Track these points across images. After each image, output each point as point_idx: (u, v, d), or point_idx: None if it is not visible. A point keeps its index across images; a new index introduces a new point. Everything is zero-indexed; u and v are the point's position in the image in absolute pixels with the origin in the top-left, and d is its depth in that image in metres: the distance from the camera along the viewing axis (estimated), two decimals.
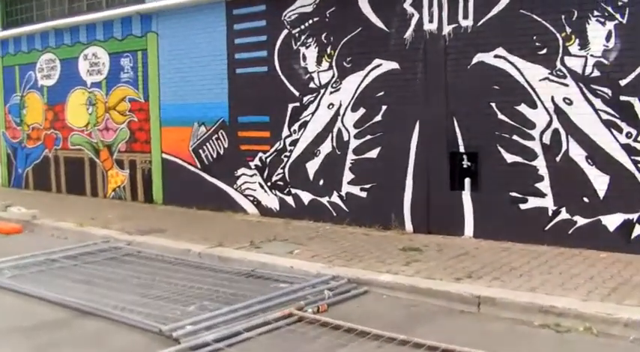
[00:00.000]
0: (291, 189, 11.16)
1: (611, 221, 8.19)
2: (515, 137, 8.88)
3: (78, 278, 8.15)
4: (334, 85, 10.48)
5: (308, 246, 9.16)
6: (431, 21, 9.48)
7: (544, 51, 8.57)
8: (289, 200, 11.20)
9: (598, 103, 8.23)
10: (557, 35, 8.46)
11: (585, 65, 8.31)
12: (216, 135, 12.16)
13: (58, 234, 11.35)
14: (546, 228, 8.68)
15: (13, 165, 17.06)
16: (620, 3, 8.00)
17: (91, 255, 9.59)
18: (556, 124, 8.59)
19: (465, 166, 9.40)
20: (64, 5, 15.50)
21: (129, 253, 9.69)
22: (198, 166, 12.53)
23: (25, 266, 8.93)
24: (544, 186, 8.72)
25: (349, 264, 8.05)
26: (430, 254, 8.47)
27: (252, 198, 11.74)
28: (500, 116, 8.95)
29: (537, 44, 8.62)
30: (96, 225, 11.29)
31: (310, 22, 10.70)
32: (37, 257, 9.36)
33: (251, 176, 11.70)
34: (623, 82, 8.05)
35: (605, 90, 8.16)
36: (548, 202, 8.69)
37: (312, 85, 10.74)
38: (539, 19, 8.58)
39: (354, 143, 10.35)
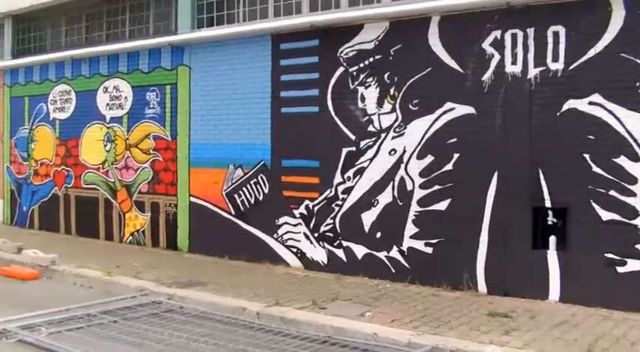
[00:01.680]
0: (343, 242, 10.27)
1: None
2: (612, 192, 8.11)
3: (125, 339, 7.23)
4: (397, 129, 9.68)
5: (378, 307, 8.29)
6: (514, 63, 8.74)
7: None
8: (339, 253, 10.30)
9: None
10: None
11: None
12: (254, 179, 11.27)
13: (82, 283, 10.40)
14: None
15: (17, 202, 15.94)
16: None
17: (130, 310, 8.61)
18: None
19: (550, 223, 8.55)
20: (82, 35, 14.60)
21: (171, 309, 8.73)
22: (232, 212, 11.60)
23: (61, 323, 7.95)
24: None
25: (440, 332, 7.18)
26: (523, 321, 7.63)
27: (295, 250, 10.83)
28: (595, 169, 8.19)
29: None
30: (124, 274, 10.35)
31: (371, 59, 9.93)
32: (73, 312, 8.37)
33: (295, 225, 10.79)
34: None
35: None
36: None
37: (371, 129, 9.93)
38: None
39: (419, 193, 9.52)
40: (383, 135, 9.89)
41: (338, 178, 10.33)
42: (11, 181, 16.23)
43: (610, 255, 8.18)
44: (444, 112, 9.35)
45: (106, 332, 7.54)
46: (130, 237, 13.40)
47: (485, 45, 9.01)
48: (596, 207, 8.27)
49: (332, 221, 10.43)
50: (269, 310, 8.21)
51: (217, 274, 10.43)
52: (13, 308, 8.55)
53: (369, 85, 10.00)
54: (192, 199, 12.27)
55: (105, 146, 13.82)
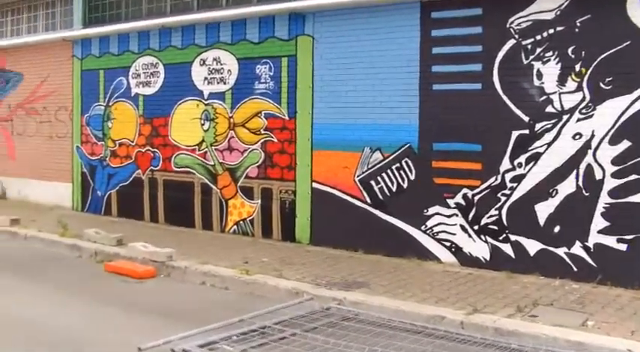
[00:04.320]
0: (510, 236, 9.76)
1: None
2: None
3: None
4: (584, 111, 9.15)
5: (593, 314, 7.86)
6: None
7: None
8: (506, 249, 9.82)
9: None
10: None
11: None
12: (397, 164, 10.75)
13: (213, 283, 9.91)
14: None
15: (89, 186, 15.38)
16: None
17: (305, 319, 8.00)
18: None
19: None
20: (167, 1, 13.95)
21: (347, 317, 8.13)
22: (368, 201, 11.11)
23: (243, 339, 7.32)
24: None
25: None
26: None
27: (448, 244, 10.34)
28: None
29: None
30: (263, 273, 9.84)
31: (551, 31, 9.37)
32: (247, 324, 7.77)
33: (449, 216, 10.29)
34: None
35: None
36: None
37: (549, 110, 9.40)
38: None
39: (610, 183, 9.04)
40: (565, 117, 9.37)
41: (506, 164, 9.82)
42: (83, 163, 15.71)
43: None
44: None
45: (295, 349, 6.96)
46: (234, 227, 12.88)
47: None
48: None
49: (497, 212, 9.93)
50: (473, 319, 7.74)
51: (369, 272, 9.97)
52: (166, 317, 8.14)
53: (548, 60, 9.45)
54: (315, 185, 11.76)
55: (202, 125, 13.27)
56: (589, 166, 9.23)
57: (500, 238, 9.94)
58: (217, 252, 11.29)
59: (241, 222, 12.82)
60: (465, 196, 10.22)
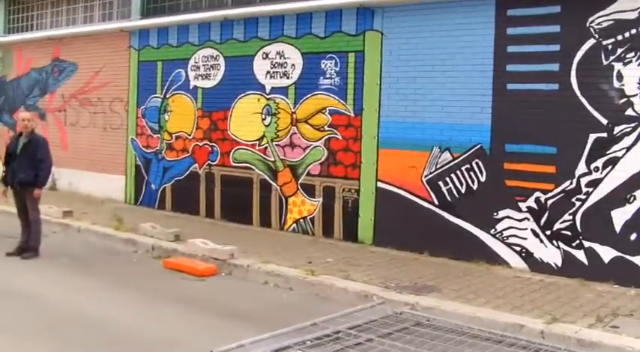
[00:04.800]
0: (584, 242, 9.69)
1: None
2: None
3: None
4: None
5: None
6: None
7: None
8: (579, 255, 9.77)
9: None
10: None
11: None
12: (467, 165, 10.74)
13: (276, 283, 9.97)
14: None
15: (143, 179, 15.57)
16: None
17: (378, 324, 7.96)
18: None
19: None
20: None
21: (419, 322, 8.06)
22: (435, 202, 11.11)
23: (317, 344, 7.33)
24: None
25: None
26: None
27: (518, 249, 10.31)
28: None
29: None
30: (328, 274, 9.91)
31: (633, 31, 9.32)
32: (321, 328, 7.77)
33: (520, 220, 10.25)
34: None
35: None
36: None
37: (629, 113, 9.34)
38: None
39: None
40: None
41: (582, 168, 9.75)
42: (137, 156, 15.89)
43: None
44: None
45: None
46: (294, 225, 12.95)
47: None
48: None
49: (571, 217, 9.88)
50: (554, 328, 7.69)
51: (438, 276, 9.95)
52: (231, 317, 8.22)
53: (630, 62, 9.37)
54: (380, 185, 11.79)
55: (263, 120, 13.35)
56: None
57: (574, 244, 9.89)
58: (278, 251, 11.37)
59: (301, 220, 12.90)
60: (537, 200, 10.18)
